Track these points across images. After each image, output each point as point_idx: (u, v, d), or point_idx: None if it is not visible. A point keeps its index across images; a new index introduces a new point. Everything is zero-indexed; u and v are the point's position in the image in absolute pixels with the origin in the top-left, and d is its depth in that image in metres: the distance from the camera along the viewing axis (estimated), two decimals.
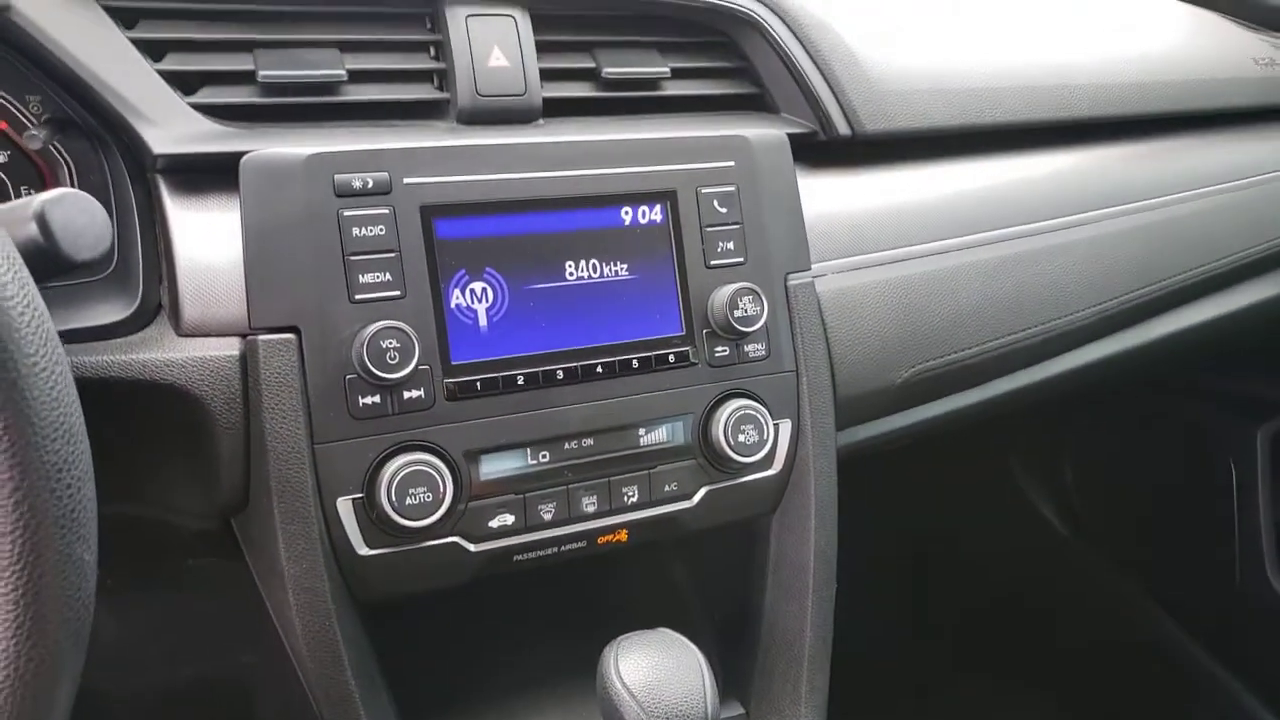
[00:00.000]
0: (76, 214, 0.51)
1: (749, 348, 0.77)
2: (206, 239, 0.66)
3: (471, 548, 0.71)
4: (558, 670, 0.84)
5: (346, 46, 0.74)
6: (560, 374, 0.72)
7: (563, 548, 0.75)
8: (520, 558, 0.74)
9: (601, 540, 0.76)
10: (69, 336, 0.62)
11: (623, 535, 0.77)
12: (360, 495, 0.67)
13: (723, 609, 0.90)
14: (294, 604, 0.66)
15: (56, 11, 0.65)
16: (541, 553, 0.74)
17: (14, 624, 0.39)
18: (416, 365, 0.66)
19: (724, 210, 0.77)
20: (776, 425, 0.78)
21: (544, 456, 0.72)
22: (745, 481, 0.79)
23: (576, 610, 0.87)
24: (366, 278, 0.67)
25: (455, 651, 0.85)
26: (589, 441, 0.73)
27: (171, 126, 0.67)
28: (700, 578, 0.92)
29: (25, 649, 0.40)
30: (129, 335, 0.66)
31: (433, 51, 0.77)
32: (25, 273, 0.44)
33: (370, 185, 0.67)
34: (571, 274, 0.73)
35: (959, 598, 1.69)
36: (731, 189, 0.77)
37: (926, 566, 1.68)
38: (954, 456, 1.60)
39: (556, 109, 0.79)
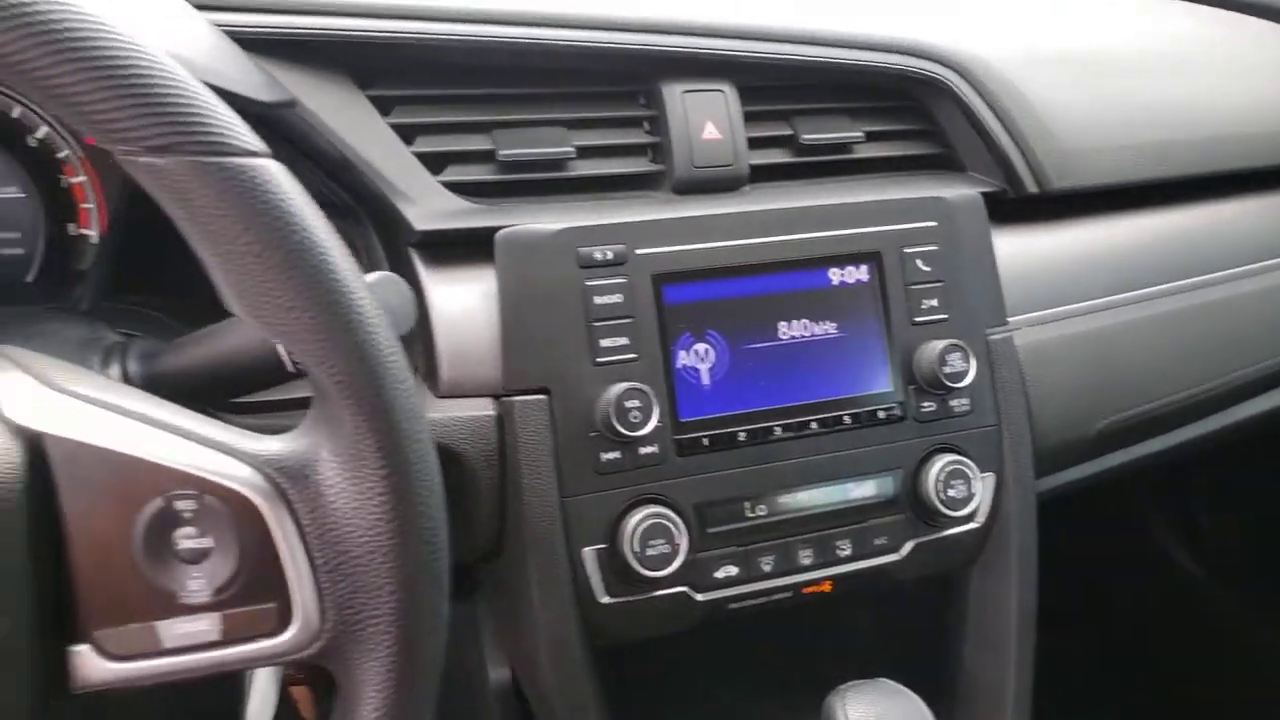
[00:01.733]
0: (393, 294, 0.57)
1: (955, 403, 0.80)
2: (461, 308, 0.72)
3: (698, 597, 0.74)
4: (771, 715, 0.87)
5: (572, 124, 0.79)
6: (778, 430, 0.76)
7: (772, 596, 0.78)
8: (735, 606, 0.77)
9: (807, 590, 0.79)
10: None
11: (827, 586, 0.80)
12: (604, 546, 0.71)
13: (919, 659, 0.91)
14: (544, 648, 0.71)
15: (331, 102, 0.72)
16: (753, 601, 0.77)
17: (394, 679, 0.44)
18: (655, 423, 0.70)
19: (927, 269, 0.80)
20: (981, 479, 0.80)
21: (762, 510, 0.76)
22: (950, 534, 0.81)
23: (780, 655, 0.90)
24: (606, 342, 0.72)
25: (667, 692, 0.89)
26: (804, 496, 0.77)
27: (427, 204, 0.73)
28: (895, 627, 0.94)
29: (405, 699, 0.44)
30: None
31: (647, 125, 0.82)
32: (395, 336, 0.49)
33: (610, 257, 0.72)
34: (784, 333, 0.77)
35: (1094, 644, 1.66)
36: (934, 248, 0.80)
37: (1064, 615, 1.66)
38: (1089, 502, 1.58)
39: (759, 174, 0.83)
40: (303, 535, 0.45)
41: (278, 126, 0.71)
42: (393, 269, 0.75)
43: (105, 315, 0.72)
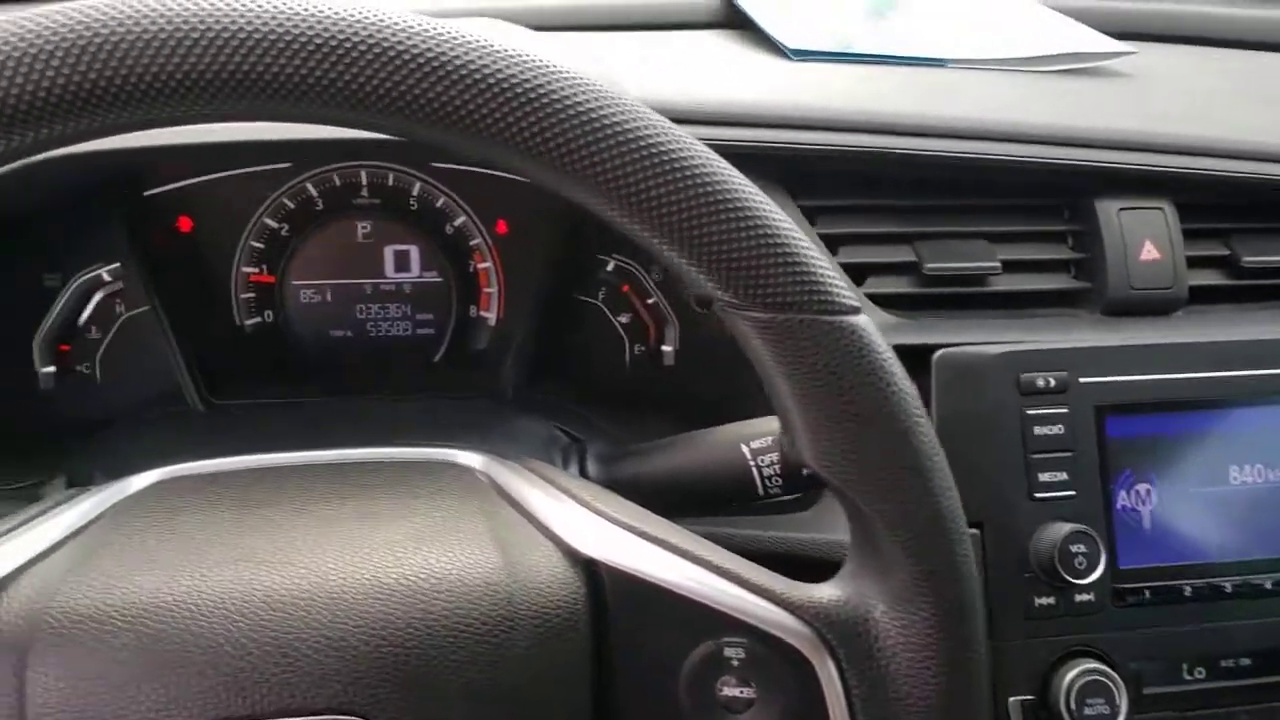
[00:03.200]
0: None
1: None
2: None
3: None
4: None
5: (994, 237, 0.76)
6: (1226, 588, 0.68)
7: None
8: None
9: None
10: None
11: None
12: (1031, 698, 0.65)
13: None
14: None
15: None
16: None
17: None
18: (1101, 570, 0.64)
19: None
20: None
21: (1201, 673, 0.68)
22: None
23: None
24: (1045, 475, 0.67)
25: None
26: (1247, 662, 0.68)
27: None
28: None
29: None
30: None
31: (1071, 241, 0.77)
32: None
33: (1052, 384, 0.68)
34: (1236, 478, 0.69)
35: None
36: None
37: None
38: None
39: (1196, 297, 0.76)
40: (848, 693, 0.43)
41: None
42: None
43: (531, 405, 0.75)
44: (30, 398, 0.78)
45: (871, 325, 0.42)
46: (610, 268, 0.86)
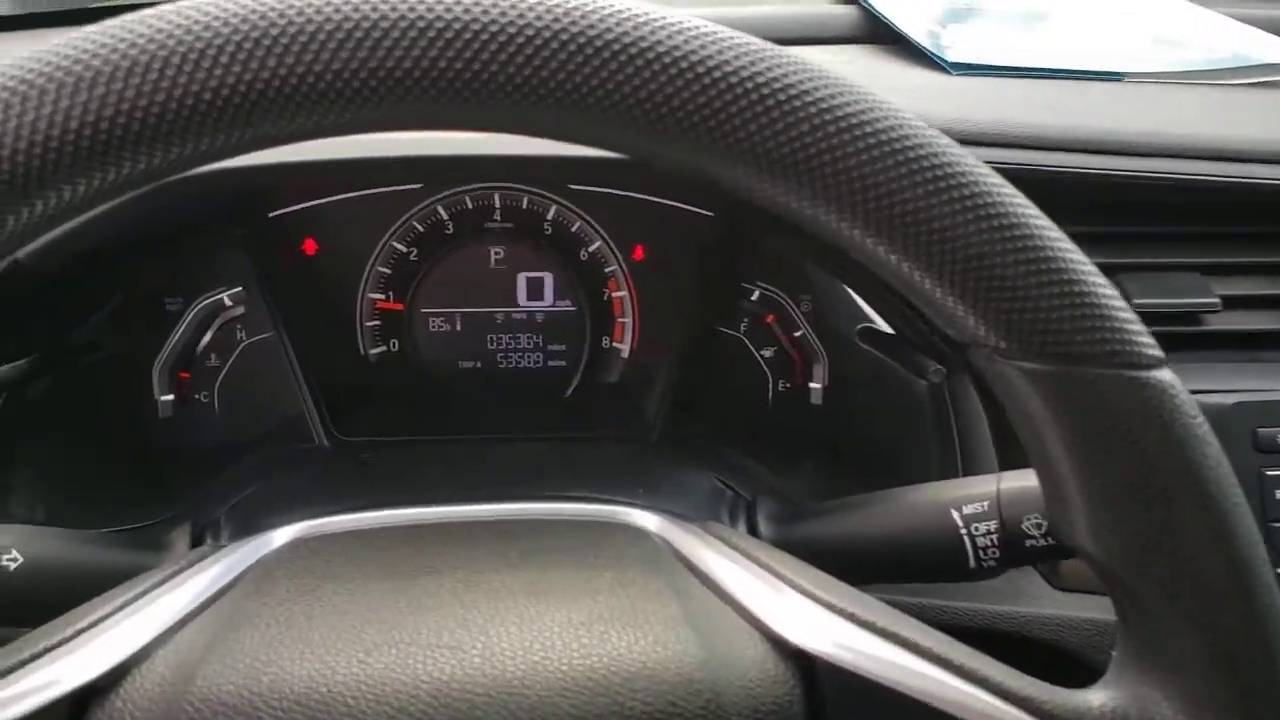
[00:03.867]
0: None
1: None
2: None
3: None
4: None
5: (1206, 269, 0.67)
6: None
7: None
8: None
9: None
10: None
11: None
12: None
13: None
14: None
15: None
16: None
17: None
18: None
19: None
20: None
21: None
22: None
23: None
24: None
25: None
26: None
27: None
28: None
29: None
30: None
31: None
32: None
33: None
34: None
35: None
36: None
37: None
38: None
39: None
40: None
41: None
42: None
43: (680, 449, 0.68)
44: (148, 426, 0.75)
45: (1179, 383, 0.34)
46: (754, 297, 0.79)
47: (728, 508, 0.57)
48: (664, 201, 0.78)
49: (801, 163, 0.31)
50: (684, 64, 0.30)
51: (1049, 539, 0.47)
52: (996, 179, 0.33)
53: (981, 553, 0.49)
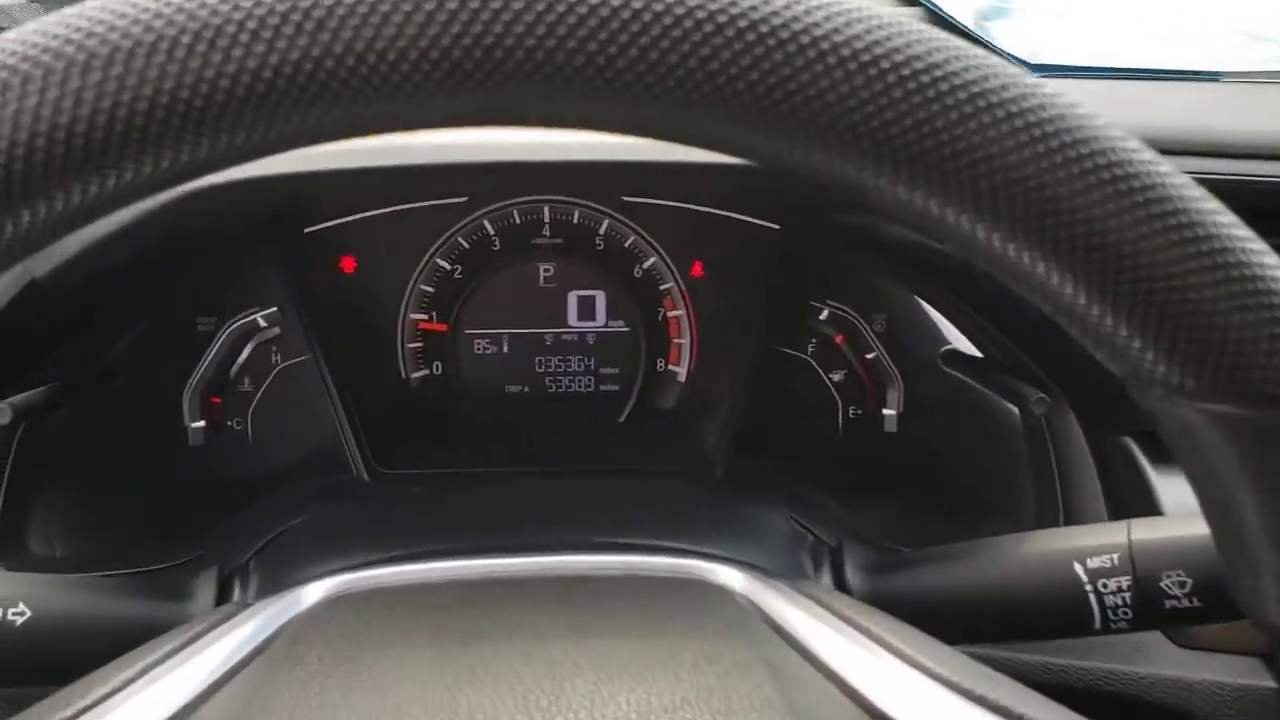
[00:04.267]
0: None
1: None
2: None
3: None
4: None
5: None
6: None
7: None
8: None
9: None
10: None
11: None
12: None
13: None
14: None
15: None
16: None
17: None
18: None
19: None
20: None
21: None
22: None
23: None
24: None
25: None
26: None
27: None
28: None
29: None
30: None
31: None
32: None
33: None
34: None
35: None
36: None
37: None
38: None
39: None
40: None
41: None
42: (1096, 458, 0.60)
43: (748, 486, 0.62)
44: (177, 455, 0.70)
45: None
46: (823, 316, 0.73)
47: (809, 554, 0.51)
48: (725, 214, 0.72)
49: (965, 167, 0.25)
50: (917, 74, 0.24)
51: (1195, 600, 0.41)
52: (1196, 189, 0.27)
53: (1111, 612, 0.42)
